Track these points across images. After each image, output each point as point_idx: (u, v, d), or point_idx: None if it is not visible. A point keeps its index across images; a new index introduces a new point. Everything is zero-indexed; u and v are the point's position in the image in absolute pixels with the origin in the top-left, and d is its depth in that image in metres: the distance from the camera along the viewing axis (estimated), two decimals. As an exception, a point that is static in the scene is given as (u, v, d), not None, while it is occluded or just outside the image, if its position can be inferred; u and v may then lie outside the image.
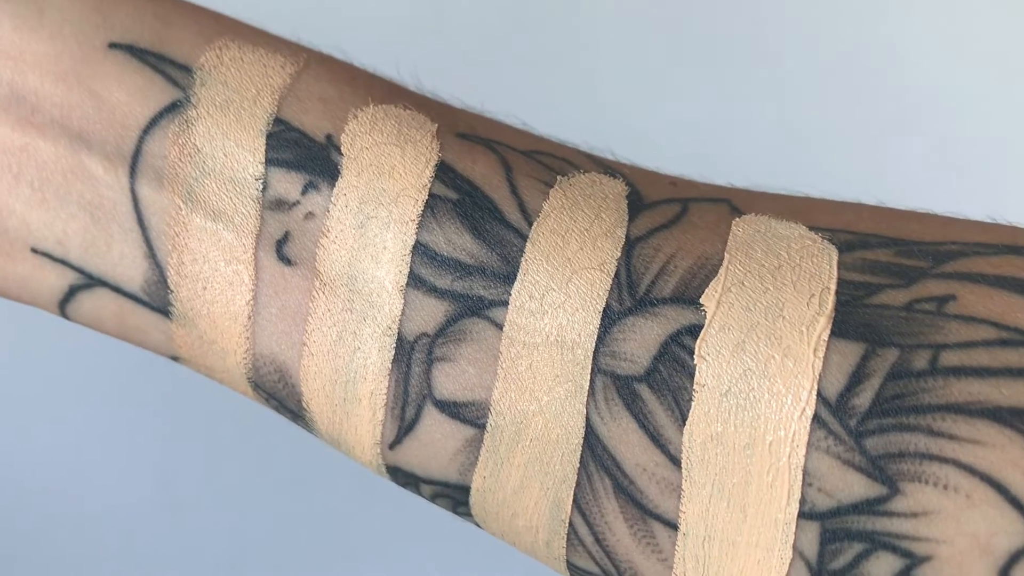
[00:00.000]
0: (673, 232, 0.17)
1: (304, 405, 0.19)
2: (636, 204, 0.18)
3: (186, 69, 0.18)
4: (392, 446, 0.18)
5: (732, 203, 0.18)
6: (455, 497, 0.18)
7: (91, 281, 0.19)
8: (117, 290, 0.19)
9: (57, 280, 0.19)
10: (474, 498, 0.18)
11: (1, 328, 0.64)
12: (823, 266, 0.16)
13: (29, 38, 0.18)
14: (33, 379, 0.65)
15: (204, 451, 0.66)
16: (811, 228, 0.17)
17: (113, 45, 0.18)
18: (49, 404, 0.65)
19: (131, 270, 0.19)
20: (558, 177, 0.18)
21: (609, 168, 0.18)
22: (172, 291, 0.18)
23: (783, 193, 0.19)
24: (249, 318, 0.18)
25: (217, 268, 0.18)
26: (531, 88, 0.53)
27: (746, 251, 0.17)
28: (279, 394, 0.19)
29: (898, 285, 0.16)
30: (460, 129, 0.18)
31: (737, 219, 0.17)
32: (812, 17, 0.52)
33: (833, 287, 0.16)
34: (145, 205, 0.18)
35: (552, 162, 0.18)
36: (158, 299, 0.19)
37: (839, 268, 0.16)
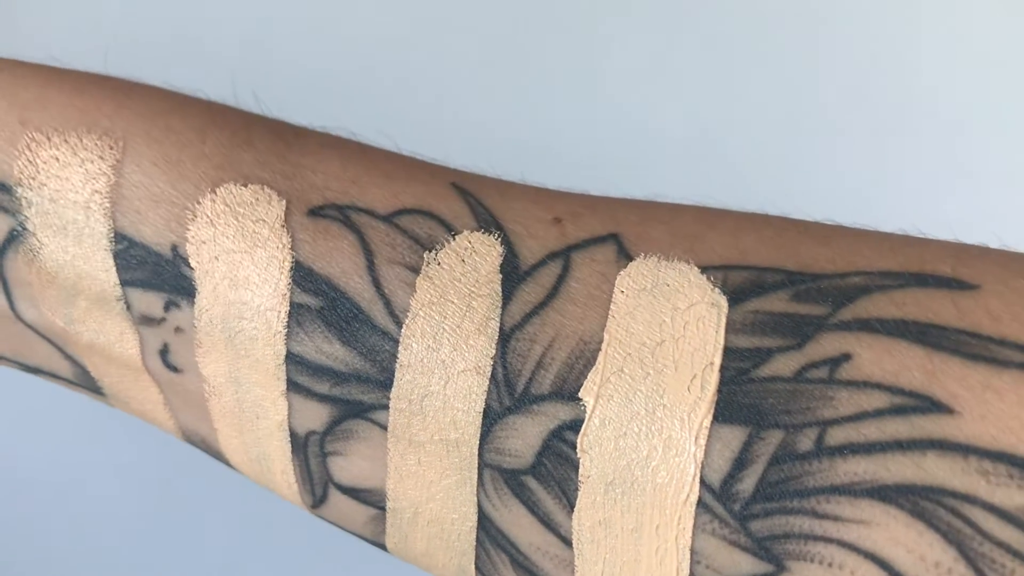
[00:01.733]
0: (550, 314, 0.16)
1: (235, 467, 0.19)
2: (511, 276, 0.16)
3: (5, 188, 0.17)
4: (313, 508, 0.19)
5: (620, 239, 0.17)
6: (378, 546, 0.19)
7: (32, 370, 0.19)
8: (56, 376, 0.19)
9: (7, 364, 0.20)
10: (392, 553, 0.19)
11: None
12: (709, 335, 0.15)
13: None
14: (32, 380, 0.66)
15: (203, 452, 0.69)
16: (703, 269, 0.16)
17: None
18: (48, 404, 0.64)
19: (59, 366, 0.19)
20: (425, 255, 0.16)
21: (481, 215, 0.17)
22: (97, 380, 0.19)
23: (683, 204, 0.18)
24: (166, 406, 0.18)
25: (123, 372, 0.18)
26: (533, 86, 0.50)
27: (627, 327, 0.16)
28: (212, 455, 0.19)
29: (790, 347, 0.15)
30: (312, 200, 0.17)
31: (621, 274, 0.16)
32: (811, 16, 0.46)
33: (718, 362, 0.15)
34: (37, 325, 0.18)
35: (419, 227, 0.17)
36: (90, 384, 0.19)
37: (727, 331, 0.15)
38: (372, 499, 0.17)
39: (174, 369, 0.18)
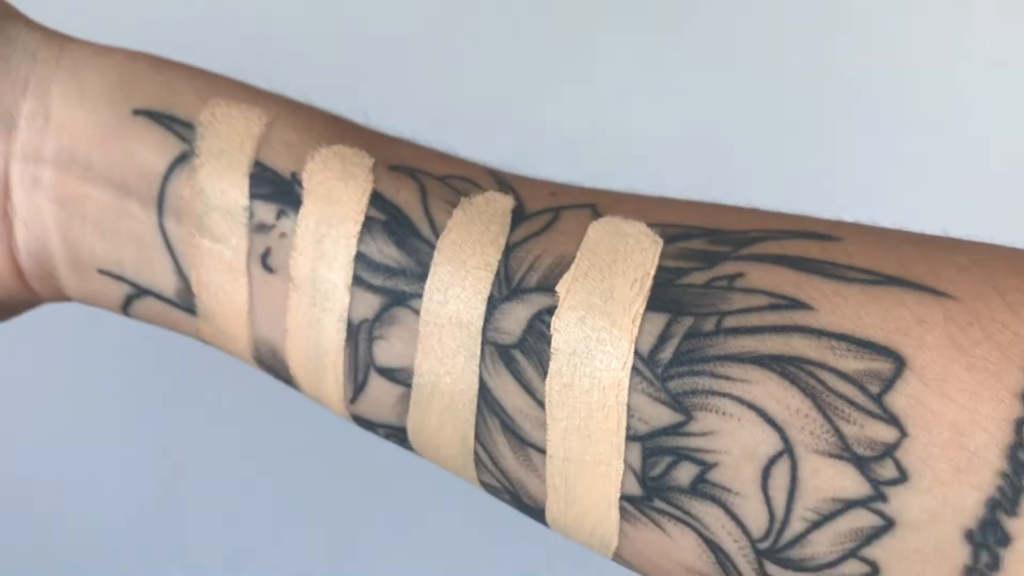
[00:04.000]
0: (541, 238, 0.23)
1: (292, 374, 0.25)
2: (518, 215, 0.24)
3: (189, 126, 0.25)
4: (352, 401, 0.24)
5: (596, 208, 0.24)
6: (399, 436, 0.25)
7: (141, 291, 0.26)
8: (159, 297, 0.26)
9: (118, 292, 0.26)
10: (410, 436, 0.24)
11: (3, 331, 0.68)
12: (648, 257, 0.22)
13: (76, 112, 0.25)
14: (35, 378, 0.67)
15: (206, 450, 0.68)
16: (649, 225, 0.23)
17: (136, 111, 0.25)
18: (51, 403, 0.68)
19: (167, 283, 0.26)
20: (461, 198, 0.24)
21: (504, 184, 0.24)
22: (196, 296, 0.25)
23: (643, 195, 0.25)
24: (248, 314, 0.25)
25: (223, 278, 0.25)
26: (534, 90, 0.56)
27: (593, 249, 0.22)
28: (274, 367, 0.26)
29: (702, 268, 0.22)
30: (391, 161, 0.25)
31: (593, 222, 0.23)
32: (808, 18, 0.53)
33: (652, 273, 0.22)
34: (171, 236, 0.25)
35: (460, 184, 0.24)
36: (187, 302, 0.26)
37: (661, 257, 0.22)
38: (402, 377, 0.24)
39: (269, 270, 0.24)
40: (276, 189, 0.24)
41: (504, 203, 0.24)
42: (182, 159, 0.25)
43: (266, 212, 0.24)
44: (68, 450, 0.69)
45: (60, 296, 0.27)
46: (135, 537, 0.69)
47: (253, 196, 0.24)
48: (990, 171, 0.51)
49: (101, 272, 0.26)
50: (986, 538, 0.18)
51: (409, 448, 0.25)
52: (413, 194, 0.24)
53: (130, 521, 0.68)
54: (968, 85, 0.51)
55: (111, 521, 0.68)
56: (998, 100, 0.50)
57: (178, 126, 0.25)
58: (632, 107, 0.55)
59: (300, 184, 0.24)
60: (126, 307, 0.27)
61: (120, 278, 0.26)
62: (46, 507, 0.69)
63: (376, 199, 0.24)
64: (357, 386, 0.24)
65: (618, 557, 0.23)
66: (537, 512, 0.24)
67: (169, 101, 0.25)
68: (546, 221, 0.23)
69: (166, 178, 0.25)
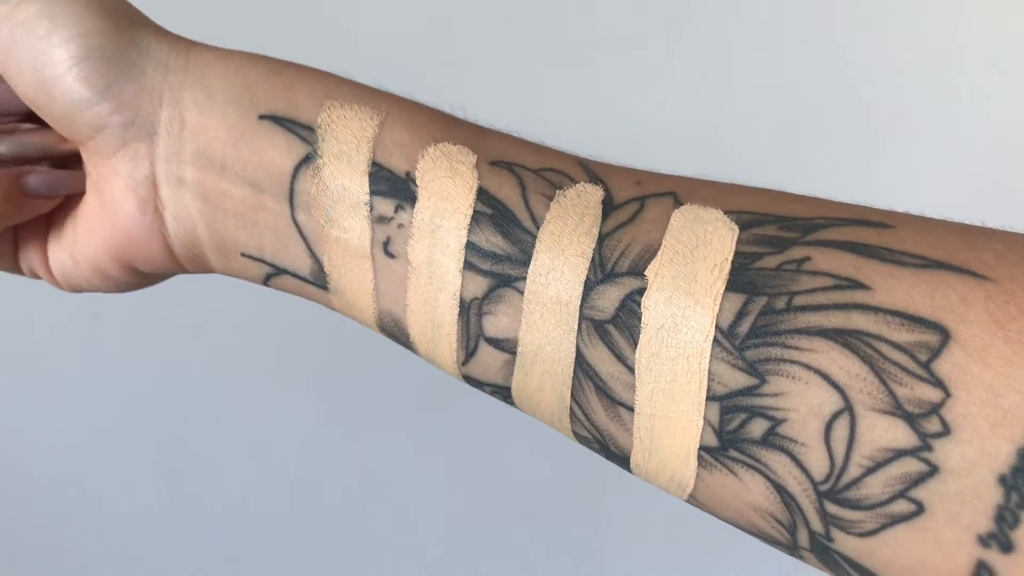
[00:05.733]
0: (630, 227, 0.26)
1: (411, 340, 0.29)
2: (608, 206, 0.27)
3: (310, 128, 0.28)
4: (463, 364, 0.28)
5: (676, 195, 0.27)
6: (503, 394, 0.29)
7: (279, 271, 0.30)
8: (295, 275, 0.30)
9: (259, 271, 0.30)
10: (514, 395, 0.28)
11: (10, 331, 0.68)
12: (726, 244, 0.25)
13: (208, 119, 0.29)
14: (42, 377, 0.69)
15: (210, 450, 0.71)
16: (726, 212, 0.26)
17: (261, 117, 0.29)
18: (57, 401, 0.69)
19: (302, 264, 0.29)
20: (557, 191, 0.27)
21: (592, 175, 0.28)
22: (327, 275, 0.29)
23: (716, 181, 0.28)
24: (373, 291, 0.29)
25: (351, 262, 0.29)
26: (545, 89, 0.56)
27: (677, 236, 0.26)
28: (396, 334, 0.30)
29: (774, 252, 0.25)
30: (491, 156, 0.28)
31: (676, 211, 0.26)
32: (806, 17, 0.53)
33: (730, 258, 0.25)
34: (302, 226, 0.29)
35: (554, 177, 0.28)
36: (320, 280, 0.30)
37: (737, 243, 0.25)
38: (508, 347, 0.27)
39: (391, 256, 0.28)
40: (393, 186, 0.28)
41: (595, 194, 0.27)
42: (307, 160, 0.28)
43: (385, 206, 0.28)
44: (68, 450, 0.71)
45: (208, 270, 0.31)
46: (136, 536, 0.70)
47: (373, 192, 0.28)
48: (985, 170, 0.51)
49: (243, 255, 0.30)
50: (1017, 482, 0.22)
51: (511, 404, 0.29)
52: (513, 188, 0.27)
53: (132, 520, 0.70)
54: (965, 84, 0.51)
55: (112, 520, 0.70)
56: (995, 99, 0.51)
57: (300, 129, 0.28)
58: (631, 106, 0.56)
59: (414, 182, 0.28)
60: (266, 281, 0.31)
61: (260, 260, 0.30)
62: (47, 506, 0.71)
63: (482, 194, 0.27)
64: (468, 352, 0.28)
65: (692, 499, 0.27)
66: (622, 459, 0.28)
67: (289, 105, 0.29)
68: (633, 211, 0.27)
69: (294, 177, 0.28)
